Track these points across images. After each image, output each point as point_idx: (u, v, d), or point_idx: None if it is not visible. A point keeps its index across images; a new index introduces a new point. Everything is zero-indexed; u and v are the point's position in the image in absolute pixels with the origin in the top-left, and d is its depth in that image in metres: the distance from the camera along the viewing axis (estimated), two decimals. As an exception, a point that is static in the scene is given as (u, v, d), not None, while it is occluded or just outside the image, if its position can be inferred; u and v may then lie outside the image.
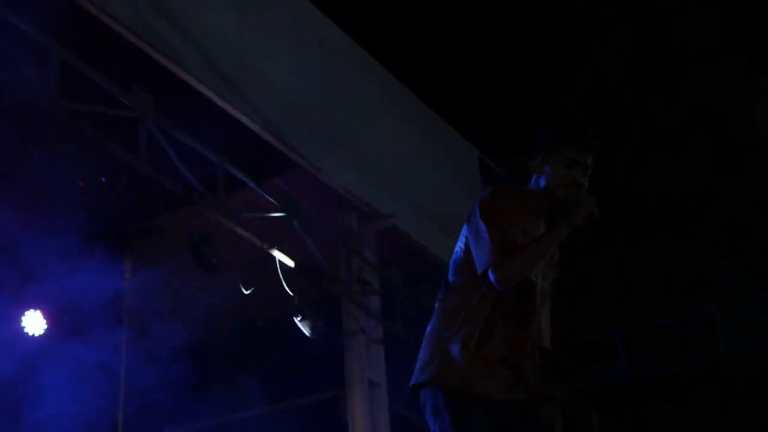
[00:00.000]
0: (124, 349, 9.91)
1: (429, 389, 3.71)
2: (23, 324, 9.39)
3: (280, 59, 8.97)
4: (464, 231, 3.82)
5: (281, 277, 8.90)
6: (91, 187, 8.45)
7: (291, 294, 9.04)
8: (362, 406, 9.38)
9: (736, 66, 13.04)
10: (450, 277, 3.85)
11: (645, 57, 13.10)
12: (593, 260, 12.19)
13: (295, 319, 9.00)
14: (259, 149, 8.71)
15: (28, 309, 9.44)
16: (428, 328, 3.85)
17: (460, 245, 3.82)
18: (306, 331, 9.01)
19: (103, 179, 8.47)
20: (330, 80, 9.58)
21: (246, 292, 9.02)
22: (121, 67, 7.70)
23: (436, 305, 3.87)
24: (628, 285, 11.37)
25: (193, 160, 8.11)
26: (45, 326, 9.45)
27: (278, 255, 8.81)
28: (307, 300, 9.07)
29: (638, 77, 12.72)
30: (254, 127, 8.44)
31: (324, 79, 9.49)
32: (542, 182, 3.85)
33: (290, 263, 8.88)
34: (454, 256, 3.86)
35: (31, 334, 9.40)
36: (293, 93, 9.03)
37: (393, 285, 10.20)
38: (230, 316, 11.28)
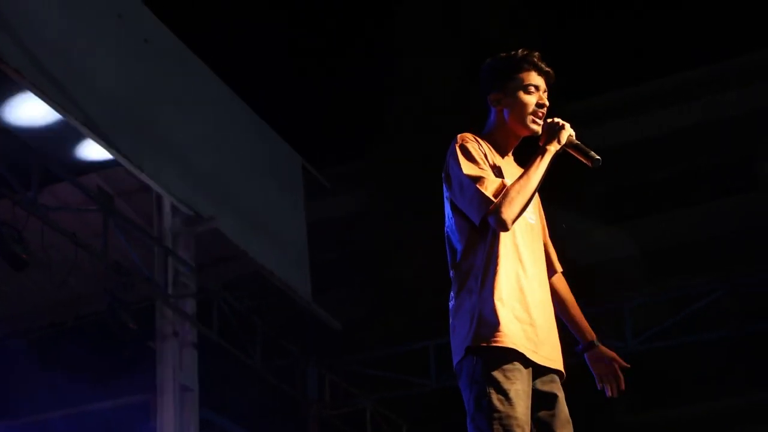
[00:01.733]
0: None
1: (467, 359, 3.53)
2: None
3: (104, 55, 8.79)
4: (446, 193, 3.71)
5: (95, 275, 8.73)
6: None
7: (104, 294, 8.86)
8: (172, 411, 9.27)
9: (553, 93, 13.41)
10: (454, 245, 3.69)
11: (470, 83, 13.35)
12: (404, 276, 12.38)
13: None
14: (78, 145, 8.51)
15: None
16: (452, 299, 3.70)
17: (447, 211, 3.72)
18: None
19: None
20: (154, 79, 9.44)
21: (57, 290, 8.79)
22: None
23: (452, 274, 3.71)
24: (437, 299, 11.58)
25: (5, 151, 7.87)
26: None
27: (92, 253, 8.63)
28: (120, 300, 8.90)
29: (463, 100, 12.93)
30: (73, 122, 8.24)
31: (148, 77, 9.34)
32: (505, 115, 3.76)
33: (104, 262, 8.71)
34: (447, 224, 3.73)
35: None
36: (116, 90, 8.86)
37: (210, 289, 10.11)
38: (40, 314, 10.99)
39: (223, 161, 10.33)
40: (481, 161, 3.64)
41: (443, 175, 3.73)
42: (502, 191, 3.55)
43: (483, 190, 3.54)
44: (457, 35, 13.72)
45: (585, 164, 3.72)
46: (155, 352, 9.51)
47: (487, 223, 3.55)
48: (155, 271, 9.38)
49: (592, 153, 3.70)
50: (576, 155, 3.73)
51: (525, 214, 3.64)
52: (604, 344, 3.87)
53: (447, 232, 3.75)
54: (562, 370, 3.68)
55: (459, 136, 3.71)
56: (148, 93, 9.30)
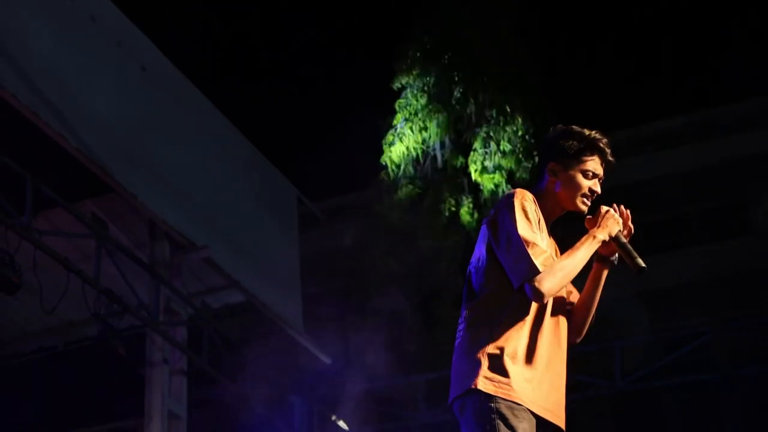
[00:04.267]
0: None
1: (472, 396, 3.57)
2: None
3: (101, 82, 8.84)
4: (484, 234, 3.74)
5: (86, 301, 8.71)
6: None
7: (94, 320, 8.85)
8: (159, 438, 9.24)
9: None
10: (475, 285, 3.73)
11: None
12: (396, 309, 12.39)
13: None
14: (73, 171, 8.53)
15: None
16: (459, 337, 3.71)
17: (481, 250, 3.74)
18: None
19: None
20: (151, 107, 9.48)
21: (47, 315, 8.77)
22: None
23: (465, 313, 3.72)
24: (430, 334, 11.62)
25: (1, 177, 7.89)
26: None
27: (83, 279, 8.62)
28: (110, 327, 8.89)
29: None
30: (69, 148, 8.27)
31: (145, 105, 9.38)
32: (557, 187, 3.81)
33: (96, 288, 8.71)
34: (475, 263, 3.76)
35: None
36: (112, 117, 8.91)
37: (202, 317, 10.10)
38: (30, 339, 10.97)
39: (217, 190, 10.36)
40: (536, 225, 3.68)
41: (488, 220, 3.75)
42: (548, 264, 3.59)
43: (533, 257, 3.57)
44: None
45: (629, 265, 3.73)
46: (144, 378, 9.50)
47: (523, 288, 3.58)
48: (147, 298, 9.38)
49: (639, 260, 3.72)
50: (621, 254, 3.76)
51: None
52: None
53: (471, 269, 3.78)
54: (563, 427, 3.74)
55: (519, 191, 3.76)
56: (144, 120, 9.34)
